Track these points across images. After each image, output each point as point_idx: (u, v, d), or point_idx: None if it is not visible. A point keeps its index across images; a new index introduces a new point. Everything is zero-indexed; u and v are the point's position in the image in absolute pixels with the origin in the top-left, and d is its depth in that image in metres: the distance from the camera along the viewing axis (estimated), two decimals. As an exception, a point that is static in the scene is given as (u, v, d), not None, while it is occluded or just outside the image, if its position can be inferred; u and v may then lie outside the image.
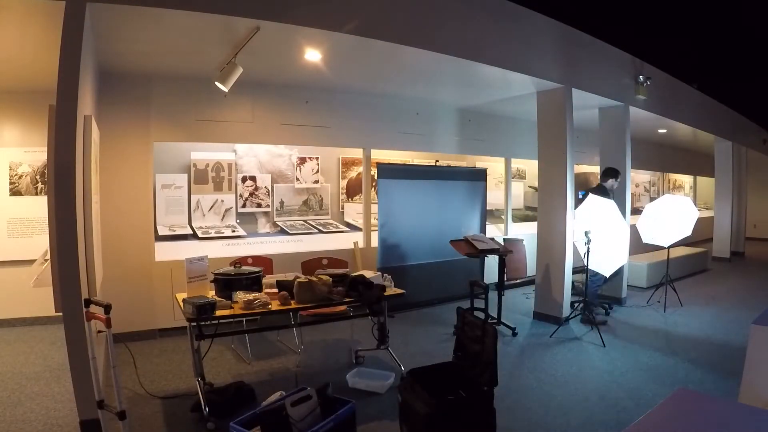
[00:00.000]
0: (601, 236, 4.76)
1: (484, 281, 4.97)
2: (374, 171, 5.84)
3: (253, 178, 5.74)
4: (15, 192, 4.96)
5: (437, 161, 6.61)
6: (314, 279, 3.30)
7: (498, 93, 5.68)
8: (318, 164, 6.17)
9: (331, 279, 3.38)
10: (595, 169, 7.10)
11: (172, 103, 4.72)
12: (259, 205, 5.81)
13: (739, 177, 10.58)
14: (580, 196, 6.76)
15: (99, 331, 3.03)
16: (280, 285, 3.40)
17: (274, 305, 3.15)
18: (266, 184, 5.83)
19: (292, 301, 3.24)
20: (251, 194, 5.75)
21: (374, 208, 5.86)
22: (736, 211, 10.29)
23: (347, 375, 3.48)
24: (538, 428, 2.88)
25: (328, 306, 3.40)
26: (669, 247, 5.94)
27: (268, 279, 3.56)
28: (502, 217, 7.47)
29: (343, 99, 5.66)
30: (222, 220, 5.55)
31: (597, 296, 5.45)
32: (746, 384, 2.22)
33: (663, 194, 10.77)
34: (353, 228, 6.27)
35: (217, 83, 3.93)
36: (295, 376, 3.41)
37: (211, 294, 3.25)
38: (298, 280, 3.30)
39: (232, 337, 4.13)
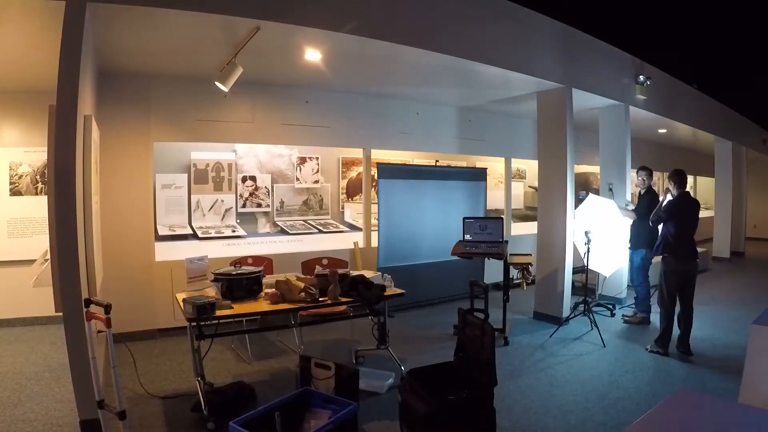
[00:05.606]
0: (601, 236, 4.75)
1: (484, 281, 4.95)
2: (374, 171, 5.84)
3: (253, 178, 5.74)
4: (15, 192, 4.96)
5: (437, 161, 6.61)
6: (291, 281, 3.29)
7: (498, 93, 5.68)
8: (318, 164, 6.16)
9: (303, 284, 3.32)
10: (595, 169, 7.10)
11: (172, 103, 4.72)
12: (259, 205, 5.81)
13: (739, 177, 10.57)
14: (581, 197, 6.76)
15: (99, 331, 3.03)
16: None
17: (265, 305, 3.15)
18: (266, 184, 5.83)
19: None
20: (251, 194, 5.74)
21: (374, 208, 5.86)
22: (736, 211, 10.29)
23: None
24: (538, 428, 2.88)
25: (313, 307, 3.36)
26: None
27: (268, 279, 3.56)
28: (502, 216, 7.45)
29: (343, 99, 5.66)
30: (222, 220, 5.55)
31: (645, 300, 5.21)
32: (746, 384, 2.22)
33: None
34: (353, 228, 6.27)
35: (217, 83, 3.92)
36: (296, 376, 3.40)
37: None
38: (277, 279, 3.31)
39: (232, 337, 4.13)
